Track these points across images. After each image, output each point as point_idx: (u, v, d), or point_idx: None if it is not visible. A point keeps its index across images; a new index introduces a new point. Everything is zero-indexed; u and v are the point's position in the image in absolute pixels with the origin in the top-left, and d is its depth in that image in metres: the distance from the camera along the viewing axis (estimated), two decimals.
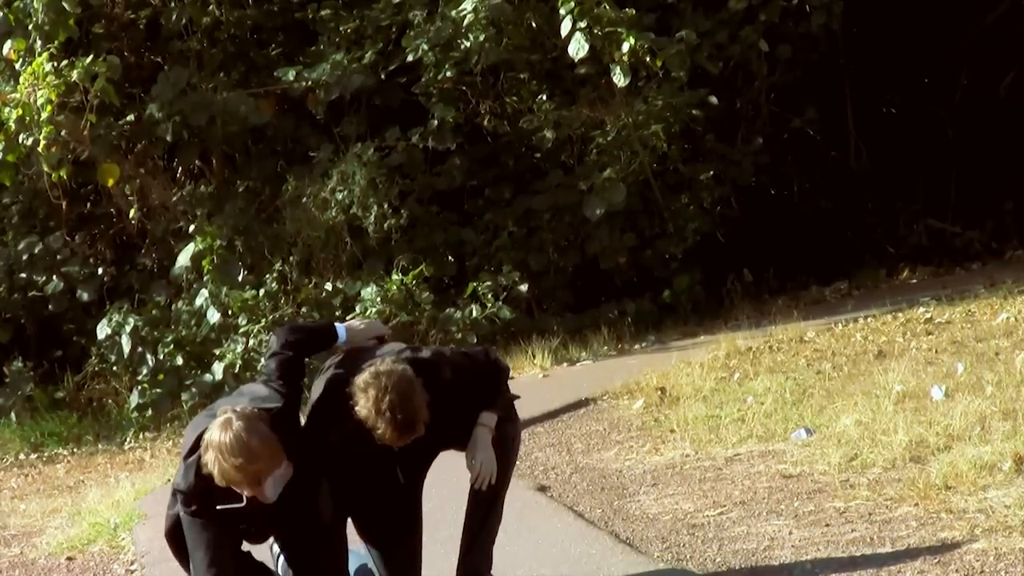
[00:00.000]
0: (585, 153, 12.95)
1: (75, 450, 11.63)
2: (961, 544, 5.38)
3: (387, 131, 12.96)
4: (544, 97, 13.08)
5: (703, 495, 6.75)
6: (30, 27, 12.52)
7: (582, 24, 11.77)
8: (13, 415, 12.58)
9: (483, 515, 5.37)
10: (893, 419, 7.17)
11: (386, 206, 12.40)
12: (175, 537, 5.17)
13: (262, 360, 5.39)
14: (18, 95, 12.12)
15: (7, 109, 12.16)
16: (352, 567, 5.37)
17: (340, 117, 13.29)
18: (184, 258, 12.63)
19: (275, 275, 12.23)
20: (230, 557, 5.05)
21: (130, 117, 13.18)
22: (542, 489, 7.24)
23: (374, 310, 11.64)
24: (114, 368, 12.53)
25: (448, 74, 12.66)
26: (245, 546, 5.32)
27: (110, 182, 12.93)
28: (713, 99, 13.09)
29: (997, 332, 9.59)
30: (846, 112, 15.00)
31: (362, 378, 5.00)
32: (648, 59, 11.86)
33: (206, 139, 13.31)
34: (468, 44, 12.44)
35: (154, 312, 12.61)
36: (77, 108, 12.26)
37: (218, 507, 4.91)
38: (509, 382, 5.48)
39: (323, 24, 13.35)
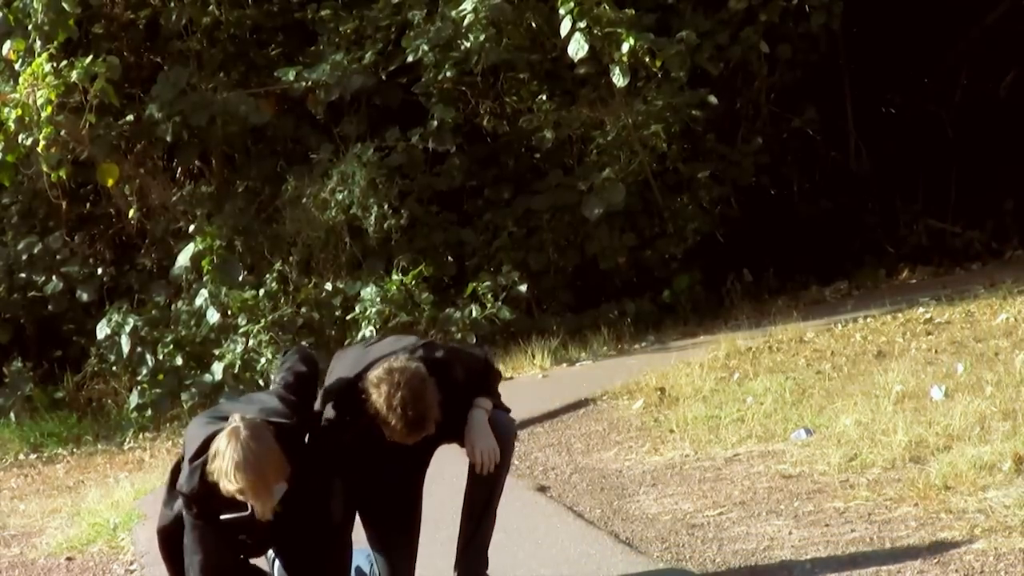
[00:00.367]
0: (585, 153, 12.95)
1: (75, 450, 11.63)
2: (961, 544, 5.37)
3: (387, 131, 12.96)
4: (544, 97, 13.08)
5: (703, 495, 6.74)
6: (30, 27, 12.52)
7: (582, 24, 11.77)
8: (13, 415, 12.58)
9: (479, 516, 5.37)
10: (893, 419, 7.17)
11: (386, 206, 12.40)
12: (168, 538, 5.14)
13: (279, 372, 5.36)
14: (18, 95, 12.12)
15: (7, 109, 12.16)
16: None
17: (340, 117, 13.30)
18: (184, 258, 12.63)
19: (275, 275, 12.23)
20: (230, 562, 5.04)
21: (130, 117, 13.17)
22: (542, 489, 7.24)
23: (374, 310, 11.65)
24: (114, 368, 12.53)
25: (448, 74, 12.66)
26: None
27: (110, 182, 12.93)
28: (713, 99, 13.08)
29: (997, 332, 9.58)
30: (846, 112, 15.00)
31: (375, 374, 5.01)
32: (648, 59, 11.86)
33: (206, 139, 13.32)
34: (468, 44, 12.44)
35: (154, 312, 12.61)
36: (77, 108, 12.26)
37: (222, 517, 4.90)
38: (503, 385, 5.50)
39: (323, 24, 13.35)
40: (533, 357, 11.25)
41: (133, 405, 12.09)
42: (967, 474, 6.11)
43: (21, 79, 12.19)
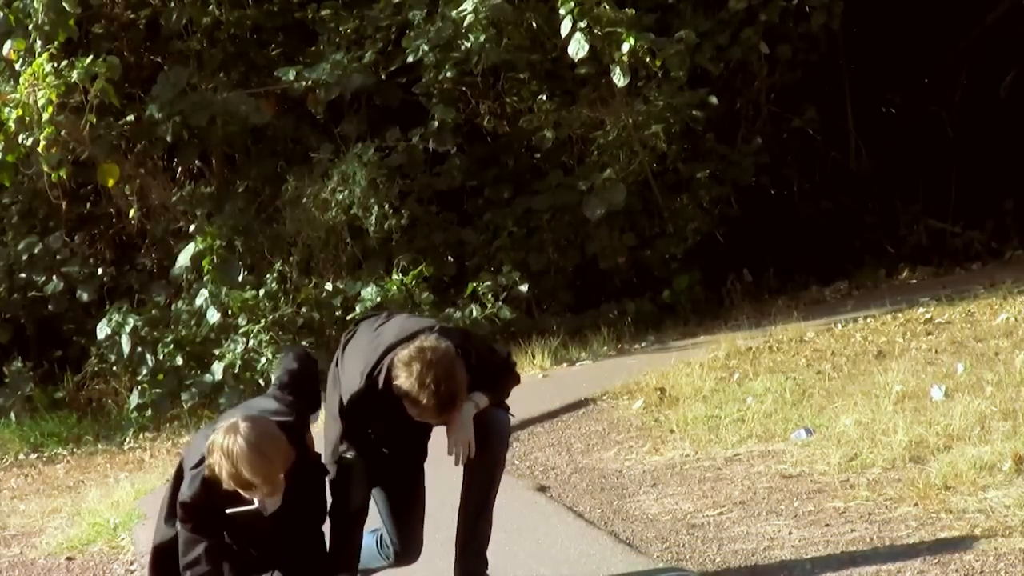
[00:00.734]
0: (585, 153, 12.96)
1: (75, 450, 11.64)
2: (961, 544, 5.37)
3: (387, 131, 12.97)
4: (544, 97, 13.08)
5: (703, 495, 6.75)
6: (30, 27, 12.52)
7: (582, 24, 11.78)
8: (13, 415, 12.58)
9: (476, 515, 5.36)
10: (893, 419, 7.17)
11: (386, 206, 12.40)
12: (164, 557, 5.06)
13: (275, 372, 5.37)
14: (18, 95, 12.12)
15: (7, 109, 12.17)
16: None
17: (340, 117, 13.30)
18: (184, 258, 12.63)
19: (275, 275, 12.23)
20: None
21: (130, 117, 13.17)
22: (542, 489, 7.24)
23: None
24: (114, 368, 12.54)
25: (448, 74, 12.66)
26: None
27: (110, 182, 12.93)
28: (713, 99, 13.09)
29: (997, 332, 9.58)
30: (846, 112, 15.00)
31: (405, 353, 5.02)
32: (648, 59, 11.86)
33: (206, 139, 13.32)
34: (468, 44, 12.45)
35: (154, 312, 12.61)
36: (77, 108, 12.26)
37: (228, 511, 4.86)
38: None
39: (323, 24, 13.36)
40: (533, 357, 11.25)
41: (133, 405, 12.09)
42: (967, 474, 6.11)
43: (21, 79, 12.20)
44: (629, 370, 10.28)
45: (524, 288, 12.33)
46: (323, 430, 5.34)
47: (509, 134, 13.32)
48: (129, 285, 13.57)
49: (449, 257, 12.98)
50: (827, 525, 5.94)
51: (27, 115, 12.08)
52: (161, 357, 12.09)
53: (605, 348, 11.67)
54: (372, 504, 5.36)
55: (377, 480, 5.29)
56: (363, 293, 11.91)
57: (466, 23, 12.34)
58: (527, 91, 13.10)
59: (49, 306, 13.60)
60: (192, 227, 12.79)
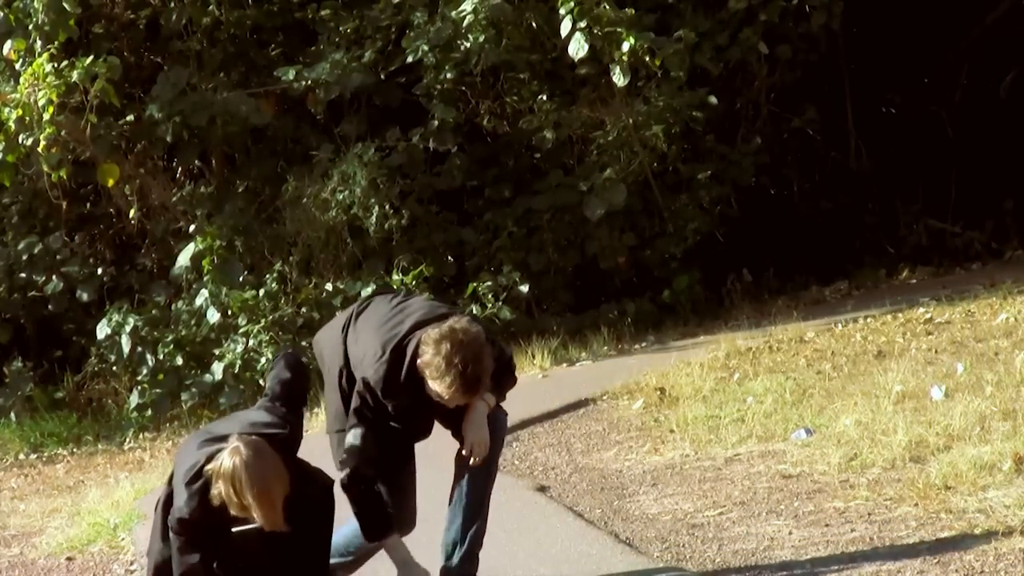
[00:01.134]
0: (585, 153, 12.95)
1: (75, 450, 11.64)
2: (961, 544, 5.38)
3: (387, 131, 12.96)
4: (544, 97, 13.08)
5: (703, 495, 6.75)
6: (30, 27, 12.52)
7: (582, 24, 11.78)
8: (13, 415, 12.59)
9: (472, 515, 5.34)
10: (893, 419, 7.17)
11: (387, 206, 12.40)
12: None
13: (267, 381, 5.38)
14: (18, 95, 12.13)
15: (7, 109, 12.17)
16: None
17: (340, 117, 13.30)
18: (184, 258, 12.63)
19: (275, 275, 12.23)
20: None
21: (130, 117, 13.18)
22: (542, 489, 7.24)
23: None
24: (114, 368, 12.54)
25: (448, 75, 12.66)
26: None
27: (110, 182, 12.93)
28: (713, 99, 13.09)
29: (997, 332, 9.58)
30: (846, 112, 14.99)
31: (437, 331, 5.04)
32: (648, 59, 11.86)
33: (206, 139, 13.32)
34: (468, 45, 12.45)
35: (154, 312, 12.61)
36: (77, 108, 12.27)
37: (234, 530, 4.90)
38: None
39: (323, 24, 13.36)
40: (533, 357, 11.25)
41: (133, 405, 12.09)
42: (967, 474, 6.11)
43: (22, 79, 12.20)
44: (629, 370, 10.27)
45: (524, 288, 12.33)
46: (324, 402, 5.36)
47: (509, 134, 13.32)
48: (129, 285, 13.57)
49: (449, 257, 12.98)
50: (827, 525, 5.94)
51: (27, 115, 12.08)
52: (161, 357, 12.09)
53: (605, 348, 11.67)
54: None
55: (382, 452, 5.28)
56: (363, 293, 11.89)
57: (466, 23, 12.34)
58: (527, 91, 13.10)
59: (49, 306, 13.59)
60: (192, 227, 12.79)
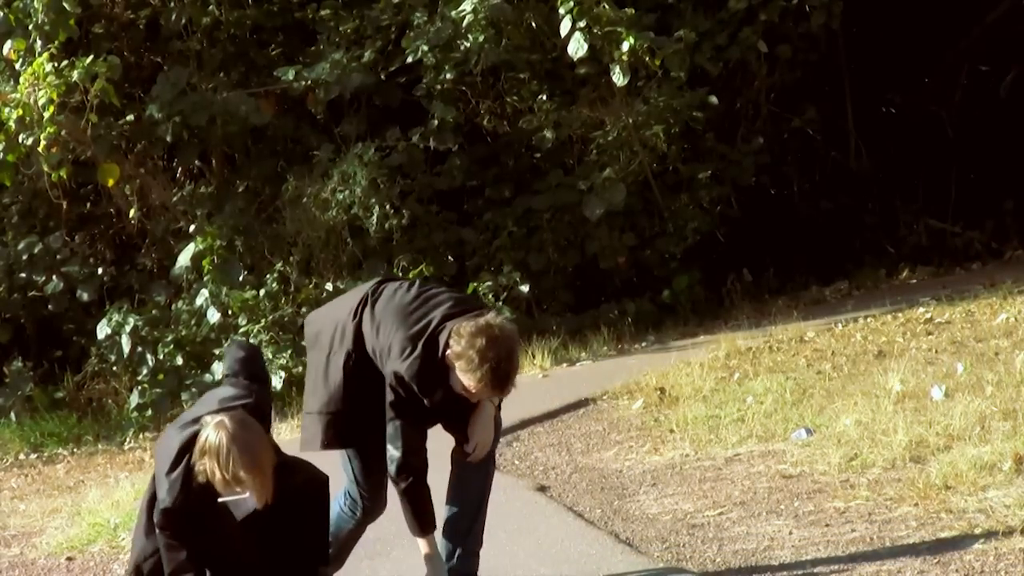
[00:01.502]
0: (585, 153, 12.96)
1: (75, 450, 11.63)
2: (961, 544, 5.38)
3: (387, 131, 12.97)
4: (544, 97, 13.09)
5: (703, 495, 6.75)
6: (30, 27, 12.53)
7: (581, 24, 11.78)
8: (13, 415, 12.58)
9: (472, 514, 5.36)
10: (893, 419, 7.17)
11: (387, 206, 12.40)
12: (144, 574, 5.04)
13: (225, 366, 5.40)
14: (18, 95, 12.12)
15: (7, 109, 12.17)
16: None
17: (340, 117, 13.30)
18: (184, 258, 12.63)
19: (275, 275, 12.23)
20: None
21: (130, 117, 13.18)
22: (542, 489, 7.24)
23: None
24: (114, 368, 12.54)
25: (448, 75, 12.66)
26: None
27: (110, 182, 12.93)
28: (713, 99, 13.09)
29: (997, 332, 9.58)
30: (846, 112, 15.00)
31: (471, 325, 5.02)
32: (648, 59, 11.87)
33: (206, 139, 13.32)
34: (468, 45, 12.45)
35: (154, 312, 12.61)
36: (77, 108, 12.26)
37: (221, 500, 4.82)
38: None
39: (323, 24, 13.36)
40: (533, 357, 11.25)
41: (133, 405, 12.09)
42: (967, 474, 6.11)
43: (22, 79, 12.20)
44: (629, 370, 10.28)
45: (524, 288, 12.34)
46: (313, 382, 5.32)
47: (509, 134, 13.33)
48: (129, 285, 13.57)
49: (449, 257, 12.98)
50: (827, 525, 5.94)
51: (27, 115, 12.08)
52: (161, 357, 12.09)
53: (605, 348, 11.67)
54: (347, 466, 5.37)
55: (363, 439, 5.29)
56: None
57: (466, 23, 12.34)
58: (527, 91, 13.10)
59: (49, 306, 13.59)
60: (192, 227, 12.79)
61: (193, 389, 11.95)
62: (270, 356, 11.57)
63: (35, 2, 12.39)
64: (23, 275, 13.53)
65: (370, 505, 5.42)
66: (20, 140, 12.19)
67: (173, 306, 12.66)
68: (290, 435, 9.03)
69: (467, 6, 12.26)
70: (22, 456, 11.65)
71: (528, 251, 12.86)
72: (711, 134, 13.54)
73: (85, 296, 13.49)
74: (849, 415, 7.49)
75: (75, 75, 12.02)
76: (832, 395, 8.21)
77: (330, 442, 5.30)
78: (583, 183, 12.71)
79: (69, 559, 7.57)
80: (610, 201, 12.51)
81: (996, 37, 15.45)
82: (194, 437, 4.82)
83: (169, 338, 12.17)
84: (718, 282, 13.26)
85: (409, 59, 12.70)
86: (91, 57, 12.28)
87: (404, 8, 12.94)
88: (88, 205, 14.17)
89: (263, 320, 11.90)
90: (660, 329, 12.43)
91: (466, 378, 5.02)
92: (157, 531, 4.92)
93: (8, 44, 12.59)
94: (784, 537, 5.87)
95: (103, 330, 12.39)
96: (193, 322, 12.30)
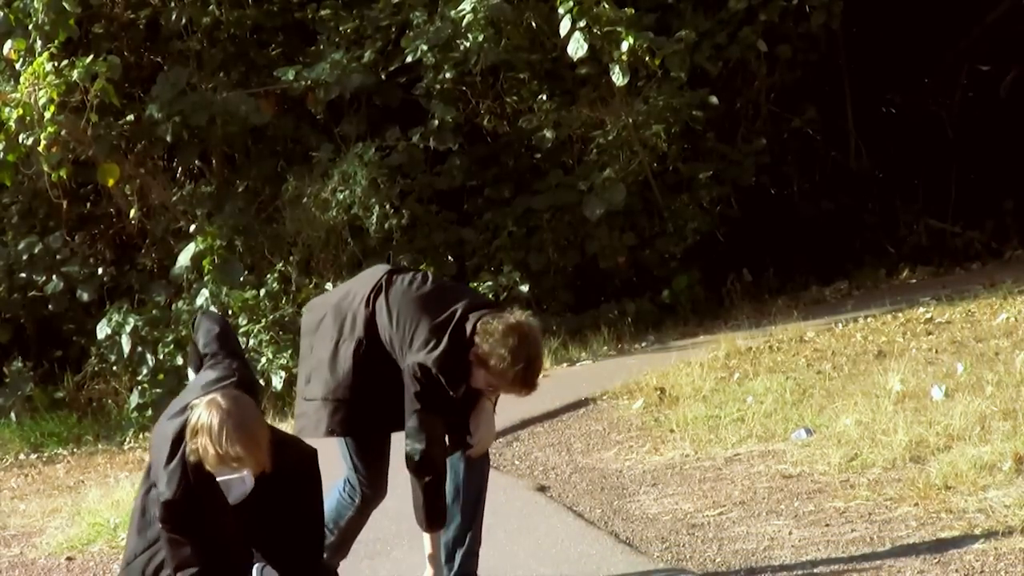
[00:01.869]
0: (585, 153, 12.96)
1: (75, 450, 11.63)
2: (961, 544, 5.38)
3: (387, 131, 12.97)
4: (544, 97, 13.09)
5: (703, 495, 6.75)
6: (30, 27, 12.52)
7: (581, 24, 11.78)
8: (13, 415, 12.58)
9: (471, 513, 5.36)
10: (893, 419, 7.17)
11: (387, 206, 12.41)
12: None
13: (201, 346, 5.32)
14: (18, 95, 12.12)
15: (7, 109, 12.16)
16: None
17: (340, 117, 13.30)
18: (184, 258, 12.63)
19: (275, 275, 12.23)
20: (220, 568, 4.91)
21: (130, 117, 13.17)
22: (542, 489, 7.24)
23: None
24: (114, 368, 12.54)
25: (448, 74, 12.67)
26: None
27: (110, 182, 12.93)
28: (713, 99, 13.09)
29: (997, 332, 9.58)
30: (846, 112, 15.00)
31: (502, 323, 5.02)
32: (647, 59, 11.87)
33: (206, 139, 13.32)
34: (467, 44, 12.45)
35: (154, 312, 12.61)
36: (77, 108, 12.26)
37: (219, 479, 4.75)
38: None
39: (323, 24, 13.36)
40: None
41: (133, 405, 12.09)
42: (967, 474, 6.11)
43: (22, 79, 12.20)
44: (629, 370, 10.28)
45: (524, 288, 12.34)
46: (315, 369, 5.29)
47: (509, 134, 13.33)
48: (129, 285, 13.56)
49: (449, 257, 12.98)
50: (827, 525, 5.94)
51: (27, 115, 12.08)
52: (161, 357, 12.09)
53: (605, 348, 11.67)
54: (345, 455, 5.36)
55: (365, 428, 5.28)
56: None
57: (465, 22, 12.34)
58: (527, 91, 13.10)
59: (49, 306, 13.59)
60: (192, 227, 12.79)
61: None
62: (270, 356, 11.57)
63: (35, 2, 12.39)
64: (23, 275, 13.53)
65: (370, 492, 5.38)
66: (20, 140, 12.18)
67: (173, 306, 12.65)
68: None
69: (466, 6, 12.26)
70: (22, 456, 11.65)
71: (528, 251, 12.86)
72: (711, 134, 13.54)
73: (85, 296, 13.48)
74: (849, 415, 7.49)
75: (75, 75, 12.02)
76: (832, 395, 8.21)
77: (334, 429, 5.26)
78: (583, 183, 12.71)
79: (69, 559, 7.57)
80: (610, 201, 12.51)
81: (996, 37, 15.45)
82: (186, 424, 4.77)
83: (169, 338, 12.17)
84: (718, 282, 13.26)
85: (408, 59, 12.70)
86: (91, 57, 12.28)
87: (404, 8, 12.95)
88: (88, 205, 14.17)
89: (263, 320, 11.90)
90: (660, 329, 12.43)
91: (496, 376, 5.02)
92: (159, 526, 4.85)
93: (8, 44, 12.59)
94: (784, 537, 5.87)
95: (103, 330, 12.39)
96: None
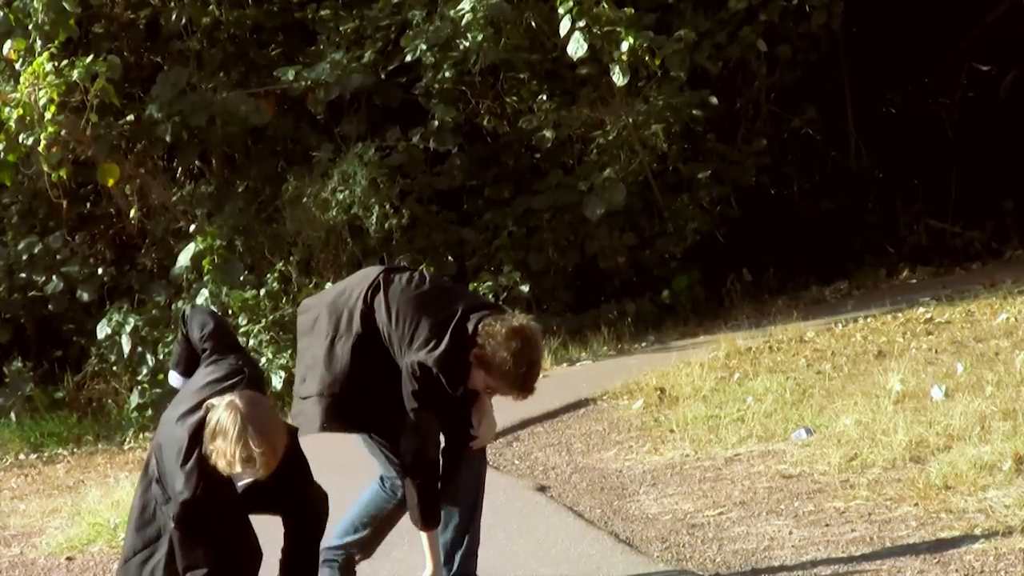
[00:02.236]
0: (585, 153, 12.96)
1: (75, 450, 11.63)
2: (961, 544, 5.38)
3: (387, 131, 12.97)
4: (544, 97, 13.09)
5: (703, 495, 6.75)
6: (30, 27, 12.52)
7: (581, 23, 11.78)
8: (13, 415, 12.57)
9: (470, 512, 5.36)
10: (893, 419, 7.17)
11: (387, 206, 12.41)
12: None
13: (195, 342, 5.25)
14: (18, 95, 12.12)
15: (7, 109, 12.16)
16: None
17: (340, 117, 13.30)
18: (184, 258, 12.63)
19: (275, 275, 12.23)
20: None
21: (130, 117, 13.16)
22: (542, 489, 7.24)
23: None
24: (114, 368, 12.53)
25: (447, 74, 12.67)
26: None
27: (110, 182, 12.93)
28: (713, 99, 13.09)
29: (997, 332, 9.59)
30: (846, 112, 15.00)
31: (505, 325, 5.03)
32: (647, 58, 11.87)
33: (206, 139, 13.31)
34: (467, 44, 12.45)
35: (154, 312, 12.61)
36: (77, 108, 12.26)
37: (239, 484, 4.76)
38: None
39: (323, 24, 13.36)
40: None
41: (133, 405, 12.09)
42: (967, 474, 6.11)
43: (22, 79, 12.19)
44: (629, 370, 10.28)
45: (524, 288, 12.34)
46: (310, 367, 5.28)
47: (509, 134, 13.33)
48: (129, 285, 13.56)
49: (449, 257, 12.98)
50: (827, 525, 5.95)
51: (27, 115, 12.07)
52: (161, 357, 12.08)
53: (605, 348, 11.67)
54: (375, 452, 5.34)
55: (369, 423, 5.27)
56: None
57: (465, 22, 12.34)
58: (527, 91, 13.10)
59: (49, 306, 13.58)
60: (192, 227, 12.79)
61: None
62: (270, 356, 11.57)
63: (35, 2, 12.38)
64: (23, 275, 13.52)
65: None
66: (20, 140, 12.17)
67: (173, 306, 12.65)
68: None
69: (466, 5, 12.26)
70: (22, 456, 11.65)
71: (528, 251, 12.86)
72: (711, 134, 13.54)
73: (85, 296, 13.48)
74: (849, 415, 7.49)
75: (75, 75, 12.01)
76: (832, 395, 8.21)
77: (329, 424, 5.23)
78: (583, 183, 12.71)
79: (69, 559, 7.57)
80: (610, 201, 12.51)
81: (996, 37, 15.45)
82: (202, 424, 4.73)
83: (169, 338, 12.15)
84: (718, 282, 13.26)
85: (408, 58, 12.70)
86: (91, 57, 12.28)
87: (404, 8, 12.95)
88: (88, 205, 14.16)
89: (263, 320, 11.89)
90: (660, 329, 12.43)
91: (496, 378, 5.02)
92: (174, 528, 4.84)
93: (8, 44, 12.58)
94: (784, 537, 5.87)
95: (103, 330, 12.39)
96: None
